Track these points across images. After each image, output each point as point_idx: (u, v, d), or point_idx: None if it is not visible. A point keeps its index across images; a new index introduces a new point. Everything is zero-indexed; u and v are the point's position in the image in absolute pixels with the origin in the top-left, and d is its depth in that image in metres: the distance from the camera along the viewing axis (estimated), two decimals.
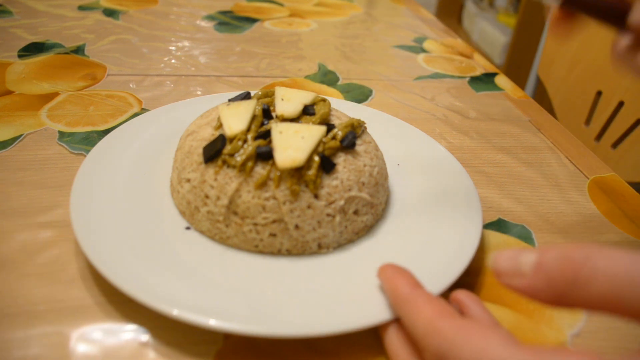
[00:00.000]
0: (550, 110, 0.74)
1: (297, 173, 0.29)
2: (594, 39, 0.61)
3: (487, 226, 0.36)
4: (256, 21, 0.71)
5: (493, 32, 2.14)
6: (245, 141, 0.30)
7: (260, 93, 0.36)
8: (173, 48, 0.59)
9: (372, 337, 0.26)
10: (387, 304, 0.25)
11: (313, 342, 0.26)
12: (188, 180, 0.31)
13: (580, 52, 0.65)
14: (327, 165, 0.29)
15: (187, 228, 0.31)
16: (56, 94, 0.46)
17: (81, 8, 0.68)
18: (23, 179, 0.35)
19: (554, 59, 0.71)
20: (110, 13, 0.68)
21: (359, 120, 0.34)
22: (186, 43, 0.61)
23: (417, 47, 0.68)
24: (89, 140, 0.40)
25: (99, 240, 0.27)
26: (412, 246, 0.30)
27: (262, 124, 0.31)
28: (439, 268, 0.28)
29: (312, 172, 0.29)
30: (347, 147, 0.31)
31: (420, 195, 0.35)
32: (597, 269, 0.17)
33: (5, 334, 0.24)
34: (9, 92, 0.45)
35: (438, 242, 0.30)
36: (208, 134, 0.32)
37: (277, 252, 0.29)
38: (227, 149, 0.29)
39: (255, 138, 0.30)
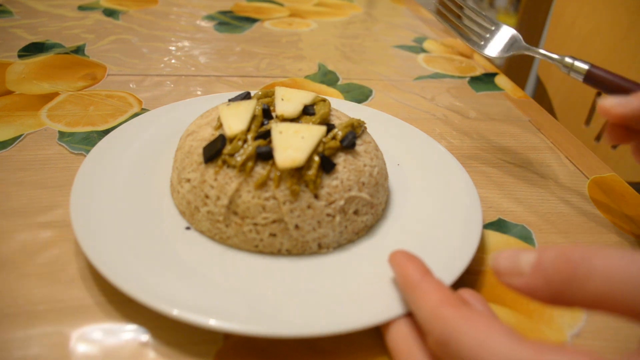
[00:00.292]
0: (550, 110, 0.74)
1: (297, 173, 0.29)
2: (594, 39, 0.61)
3: (487, 226, 0.36)
4: (256, 21, 0.71)
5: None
6: (245, 141, 0.30)
7: (260, 93, 0.36)
8: (173, 48, 0.59)
9: (372, 337, 0.26)
10: (387, 304, 0.25)
11: (313, 342, 0.26)
12: (188, 180, 0.31)
13: (580, 52, 0.65)
14: (327, 165, 0.29)
15: (187, 228, 0.31)
16: (56, 94, 0.46)
17: (81, 8, 0.68)
18: (23, 179, 0.35)
19: None
20: (110, 13, 0.68)
21: (359, 120, 0.34)
22: (186, 43, 0.61)
23: (417, 47, 0.68)
24: (89, 140, 0.40)
25: (99, 240, 0.27)
26: (412, 246, 0.30)
27: (262, 124, 0.31)
28: (439, 268, 0.28)
29: (312, 172, 0.29)
30: (347, 147, 0.31)
31: (420, 195, 0.35)
32: (595, 268, 0.17)
33: (5, 334, 0.24)
34: (9, 92, 0.45)
35: (438, 242, 0.30)
36: (208, 134, 0.32)
37: (277, 252, 0.29)
38: (227, 149, 0.29)
39: (255, 138, 0.30)
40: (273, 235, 0.29)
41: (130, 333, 0.25)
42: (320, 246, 0.30)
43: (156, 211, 0.31)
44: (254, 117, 0.32)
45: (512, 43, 0.40)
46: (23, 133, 0.40)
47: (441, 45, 0.70)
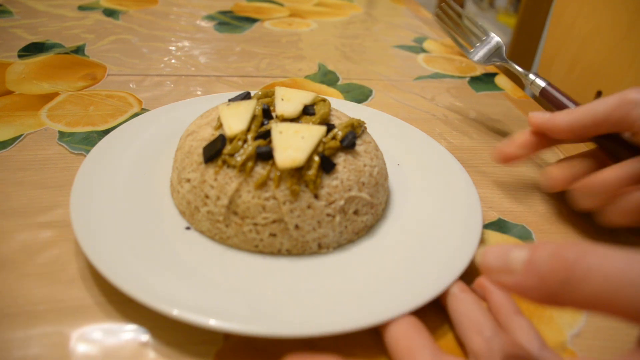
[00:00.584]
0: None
1: (297, 173, 0.29)
2: (594, 39, 0.61)
3: (487, 226, 0.36)
4: (256, 21, 0.71)
5: (493, 32, 2.14)
6: (245, 141, 0.30)
7: (260, 93, 0.36)
8: (173, 48, 0.59)
9: (372, 337, 0.26)
10: (387, 304, 0.25)
11: (313, 342, 0.26)
12: (188, 180, 0.31)
13: (580, 52, 0.65)
14: (327, 165, 0.29)
15: (187, 228, 0.31)
16: (56, 94, 0.46)
17: (81, 8, 0.68)
18: (23, 179, 0.35)
19: (554, 59, 0.71)
20: (110, 13, 0.68)
21: (359, 120, 0.34)
22: (186, 43, 0.61)
23: (417, 47, 0.68)
24: (89, 140, 0.40)
25: (99, 240, 0.27)
26: (412, 246, 0.30)
27: (262, 124, 0.31)
28: (439, 268, 0.28)
29: (312, 172, 0.29)
30: (347, 147, 0.31)
31: (420, 195, 0.35)
32: (591, 268, 0.17)
33: (5, 334, 0.24)
34: (9, 92, 0.45)
35: (438, 242, 0.30)
36: (208, 134, 0.32)
37: (277, 252, 0.29)
38: (227, 149, 0.29)
39: (255, 138, 0.30)
40: (273, 235, 0.29)
41: (130, 333, 0.25)
42: (320, 246, 0.30)
43: (156, 211, 0.31)
44: (254, 117, 0.32)
45: (496, 54, 0.47)
46: (23, 133, 0.40)
47: (441, 45, 0.70)
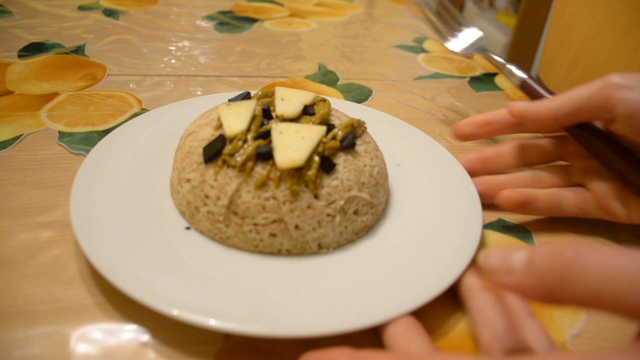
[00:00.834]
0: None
1: (297, 173, 0.29)
2: (594, 39, 0.61)
3: (487, 226, 0.36)
4: (256, 21, 0.71)
5: (493, 32, 2.14)
6: (245, 141, 0.30)
7: (260, 93, 0.36)
8: (173, 48, 0.59)
9: (371, 337, 0.26)
10: (387, 304, 0.25)
11: (313, 342, 0.26)
12: (188, 181, 0.31)
13: (580, 52, 0.65)
14: (327, 165, 0.29)
15: (187, 228, 0.31)
16: (56, 94, 0.46)
17: (81, 8, 0.68)
18: (23, 179, 0.35)
19: (554, 59, 0.71)
20: (110, 13, 0.68)
21: (359, 120, 0.34)
22: (186, 43, 0.61)
23: (417, 47, 0.68)
24: (89, 140, 0.40)
25: (99, 241, 0.27)
26: (413, 246, 0.30)
27: (262, 124, 0.31)
28: (439, 268, 0.28)
29: (312, 172, 0.29)
30: (347, 147, 0.31)
31: (420, 195, 0.35)
32: (587, 265, 0.17)
33: (5, 334, 0.24)
34: (9, 92, 0.45)
35: (438, 243, 0.30)
36: (208, 134, 0.32)
37: (277, 252, 0.29)
38: (227, 149, 0.30)
39: (256, 138, 0.30)
40: (273, 235, 0.29)
41: (130, 333, 0.25)
42: (320, 246, 0.30)
43: (156, 211, 0.31)
44: (254, 117, 0.32)
45: (477, 44, 0.47)
46: (23, 133, 0.40)
47: (441, 46, 0.70)
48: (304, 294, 0.26)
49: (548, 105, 0.34)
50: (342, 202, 0.30)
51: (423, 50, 0.67)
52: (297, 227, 0.29)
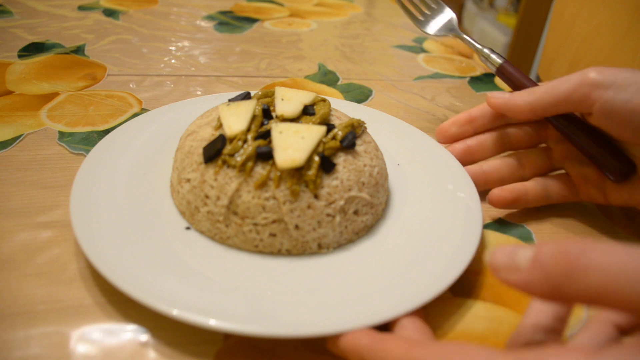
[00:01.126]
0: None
1: (297, 173, 0.29)
2: (594, 39, 0.61)
3: (487, 226, 0.36)
4: (256, 21, 0.71)
5: (493, 32, 2.14)
6: (245, 141, 0.30)
7: (260, 93, 0.36)
8: (173, 48, 0.59)
9: None
10: (388, 304, 0.25)
11: (313, 342, 0.26)
12: (188, 181, 0.31)
13: (580, 52, 0.65)
14: (327, 165, 0.29)
15: (187, 228, 0.31)
16: (56, 94, 0.46)
17: (81, 8, 0.68)
18: (23, 179, 0.35)
19: (554, 59, 0.71)
20: (110, 13, 0.68)
21: (359, 120, 0.34)
22: (186, 43, 0.61)
23: (417, 47, 0.68)
24: (89, 140, 0.40)
25: (99, 240, 0.27)
26: (413, 246, 0.30)
27: (262, 124, 0.31)
28: (440, 268, 0.28)
29: (312, 172, 0.29)
30: (347, 147, 0.31)
31: (420, 195, 0.35)
32: (593, 261, 0.17)
33: (5, 334, 0.24)
34: (9, 92, 0.45)
35: (438, 242, 0.30)
36: (208, 134, 0.32)
37: (277, 252, 0.29)
38: (227, 149, 0.30)
39: (256, 138, 0.30)
40: (273, 235, 0.29)
41: (130, 333, 0.25)
42: (320, 246, 0.30)
43: (156, 211, 0.31)
44: (254, 117, 0.32)
45: (448, 26, 0.45)
46: (23, 133, 0.40)
47: (441, 45, 0.70)
48: (304, 294, 0.26)
49: (526, 98, 0.34)
50: (342, 202, 0.30)
51: (423, 50, 0.67)
52: (297, 227, 0.29)
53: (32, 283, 0.27)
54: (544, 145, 0.39)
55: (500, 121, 0.39)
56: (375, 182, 0.32)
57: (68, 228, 0.30)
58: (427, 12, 0.45)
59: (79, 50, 0.56)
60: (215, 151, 0.30)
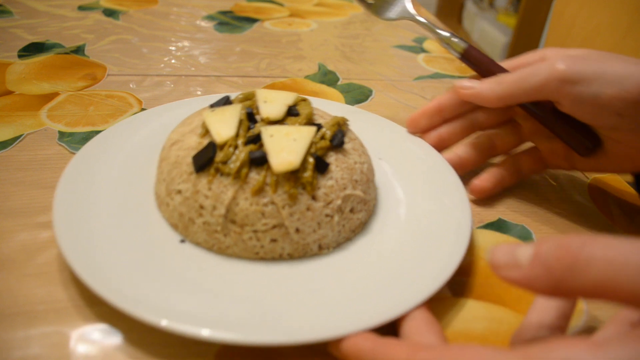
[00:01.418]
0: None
1: (293, 176, 0.28)
2: (594, 39, 0.61)
3: (487, 226, 0.36)
4: (256, 21, 0.71)
5: (493, 32, 2.14)
6: (236, 147, 0.29)
7: (241, 96, 0.35)
8: (173, 48, 0.59)
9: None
10: (390, 303, 0.25)
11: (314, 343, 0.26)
12: (179, 192, 0.30)
13: None
14: (321, 166, 0.29)
15: (182, 241, 0.30)
16: (56, 94, 0.46)
17: (81, 8, 0.68)
18: (23, 179, 0.35)
19: None
20: (110, 13, 0.68)
21: (343, 117, 0.34)
22: (186, 43, 0.61)
23: (417, 47, 0.68)
24: (89, 140, 0.40)
25: (96, 263, 0.26)
26: (408, 241, 0.31)
27: (249, 129, 0.31)
28: (438, 261, 0.28)
29: (308, 174, 0.28)
30: (336, 146, 0.31)
31: (406, 188, 0.35)
32: (594, 254, 0.17)
33: (5, 334, 0.24)
34: (9, 92, 0.45)
35: (433, 234, 0.31)
36: (194, 142, 0.31)
37: (279, 257, 0.29)
38: (219, 156, 0.29)
39: (246, 143, 0.29)
40: (274, 240, 0.29)
41: (131, 333, 0.25)
42: (320, 247, 0.30)
43: (146, 227, 0.30)
44: (240, 122, 0.31)
45: (402, 9, 0.43)
46: (23, 133, 0.40)
47: (441, 46, 0.70)
48: (308, 298, 0.26)
49: (495, 89, 0.35)
50: (339, 202, 0.30)
51: (423, 50, 0.67)
52: (297, 230, 0.29)
53: (32, 283, 0.27)
54: (512, 121, 0.40)
55: (468, 106, 0.39)
56: (366, 178, 0.32)
57: None
58: None
59: (79, 50, 0.56)
60: (206, 159, 0.29)
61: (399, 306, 0.25)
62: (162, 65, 0.54)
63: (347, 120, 0.34)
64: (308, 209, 0.29)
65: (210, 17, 0.70)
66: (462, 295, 0.30)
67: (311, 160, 0.29)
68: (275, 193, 0.28)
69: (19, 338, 0.24)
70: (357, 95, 0.53)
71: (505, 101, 0.35)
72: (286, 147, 0.29)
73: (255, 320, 0.24)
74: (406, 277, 0.27)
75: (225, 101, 0.34)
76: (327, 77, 0.56)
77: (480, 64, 0.38)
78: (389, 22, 0.78)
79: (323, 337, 0.23)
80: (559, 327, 0.23)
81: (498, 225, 0.36)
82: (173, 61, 0.56)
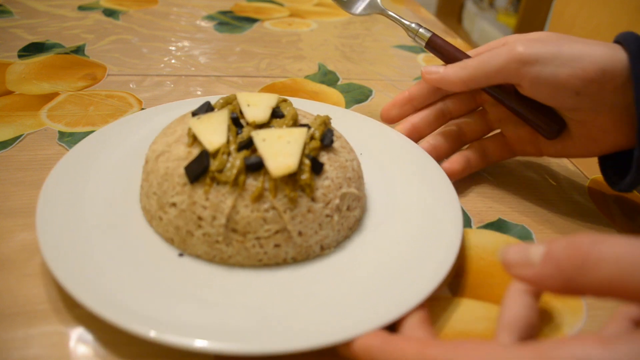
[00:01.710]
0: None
1: (291, 179, 0.28)
2: (594, 39, 0.62)
3: (487, 226, 0.36)
4: (256, 21, 0.71)
5: (493, 32, 2.14)
6: (229, 154, 0.28)
7: (221, 101, 0.34)
8: (173, 48, 0.59)
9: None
10: (396, 300, 0.25)
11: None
12: (173, 205, 0.28)
13: None
14: (316, 167, 0.29)
15: (180, 255, 0.29)
16: (56, 94, 0.46)
17: (81, 8, 0.68)
18: (23, 179, 0.35)
19: None
20: (110, 13, 0.68)
21: (327, 116, 0.33)
22: (186, 43, 0.61)
23: (417, 47, 0.68)
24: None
25: (90, 285, 0.25)
26: (405, 235, 0.31)
27: (237, 134, 0.30)
28: (440, 252, 0.29)
29: (306, 176, 0.28)
30: (327, 146, 0.31)
31: (392, 181, 0.36)
32: (604, 252, 0.18)
33: (5, 334, 0.24)
34: (9, 92, 0.45)
35: (429, 227, 0.31)
36: (183, 152, 0.29)
37: (282, 262, 0.29)
38: (214, 165, 0.28)
39: (238, 149, 0.28)
40: (277, 246, 0.28)
41: (134, 332, 0.25)
42: (322, 248, 0.30)
43: (142, 245, 0.29)
44: (228, 128, 0.30)
45: (372, 4, 0.46)
46: (23, 133, 0.40)
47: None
48: (319, 301, 0.26)
49: (459, 73, 0.36)
50: (337, 201, 0.30)
51: (423, 50, 0.67)
52: (300, 233, 0.28)
53: (32, 283, 0.27)
54: (480, 109, 0.41)
55: (437, 95, 0.40)
56: (357, 175, 0.32)
57: None
58: None
59: (79, 50, 0.56)
60: (201, 169, 0.28)
61: (405, 303, 0.25)
62: (162, 65, 0.54)
63: (330, 118, 0.33)
64: (309, 210, 0.29)
65: (210, 17, 0.70)
66: (463, 295, 0.30)
67: (307, 161, 0.29)
68: (275, 198, 0.28)
69: (19, 338, 0.24)
70: (357, 95, 0.53)
71: (469, 84, 0.36)
72: (281, 150, 0.28)
73: (267, 329, 0.24)
74: (408, 272, 0.28)
75: (207, 107, 0.33)
76: (327, 77, 0.56)
77: (445, 52, 0.40)
78: (388, 22, 0.78)
79: (335, 340, 0.23)
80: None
81: (498, 225, 0.36)
82: (173, 61, 0.56)
